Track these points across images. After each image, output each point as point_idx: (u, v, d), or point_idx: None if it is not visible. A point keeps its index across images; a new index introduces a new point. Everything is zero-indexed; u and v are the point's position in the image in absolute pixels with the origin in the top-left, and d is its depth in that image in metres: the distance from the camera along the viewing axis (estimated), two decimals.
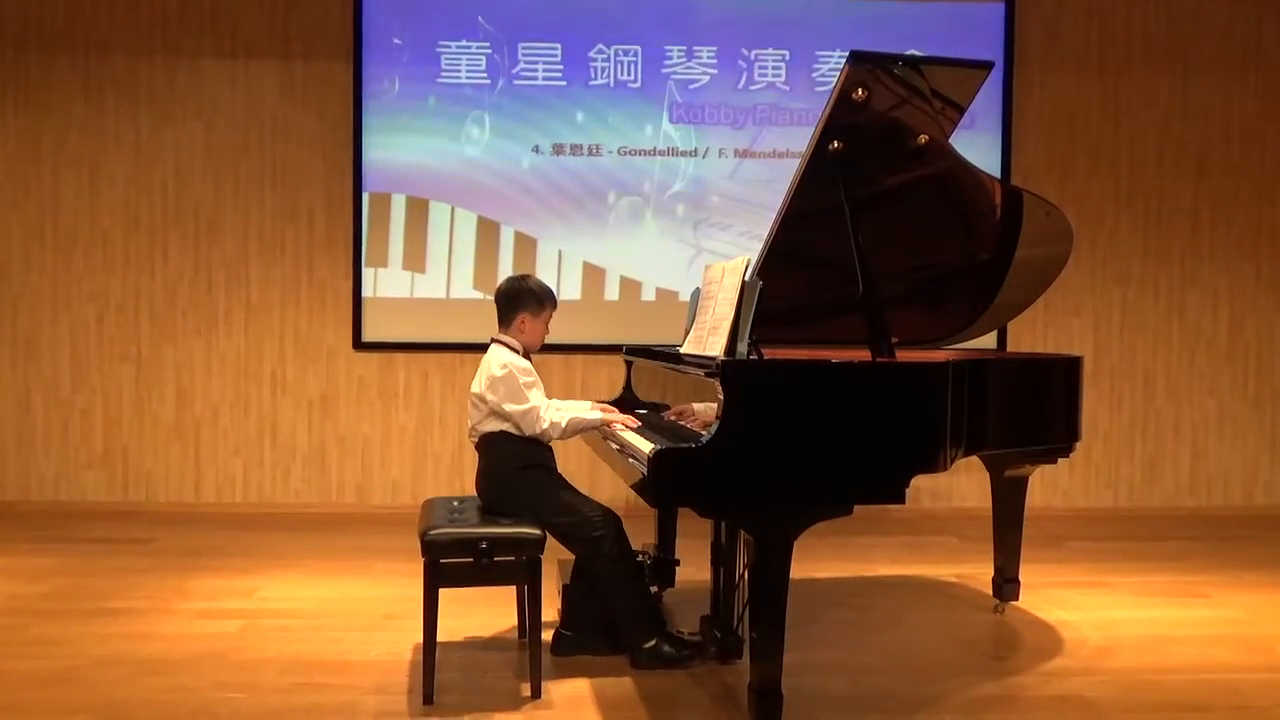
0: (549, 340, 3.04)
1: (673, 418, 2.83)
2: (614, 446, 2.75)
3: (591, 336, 5.16)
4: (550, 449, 2.94)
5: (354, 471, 5.16)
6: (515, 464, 2.84)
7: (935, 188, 3.07)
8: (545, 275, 5.01)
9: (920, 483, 4.67)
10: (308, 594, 3.65)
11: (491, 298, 2.97)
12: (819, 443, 2.31)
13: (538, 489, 2.83)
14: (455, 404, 5.16)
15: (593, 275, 5.21)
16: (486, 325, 3.08)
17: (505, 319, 2.92)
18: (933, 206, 3.10)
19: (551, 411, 2.83)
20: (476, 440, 2.91)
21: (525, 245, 5.17)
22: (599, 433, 2.98)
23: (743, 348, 2.54)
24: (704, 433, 2.37)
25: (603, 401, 3.29)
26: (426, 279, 5.16)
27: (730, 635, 2.93)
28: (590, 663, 2.88)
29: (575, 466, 4.94)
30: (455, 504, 2.99)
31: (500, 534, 2.69)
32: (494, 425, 2.84)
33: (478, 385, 2.86)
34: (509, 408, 2.79)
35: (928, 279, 3.29)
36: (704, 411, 2.53)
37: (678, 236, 5.21)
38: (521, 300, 2.89)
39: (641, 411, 3.09)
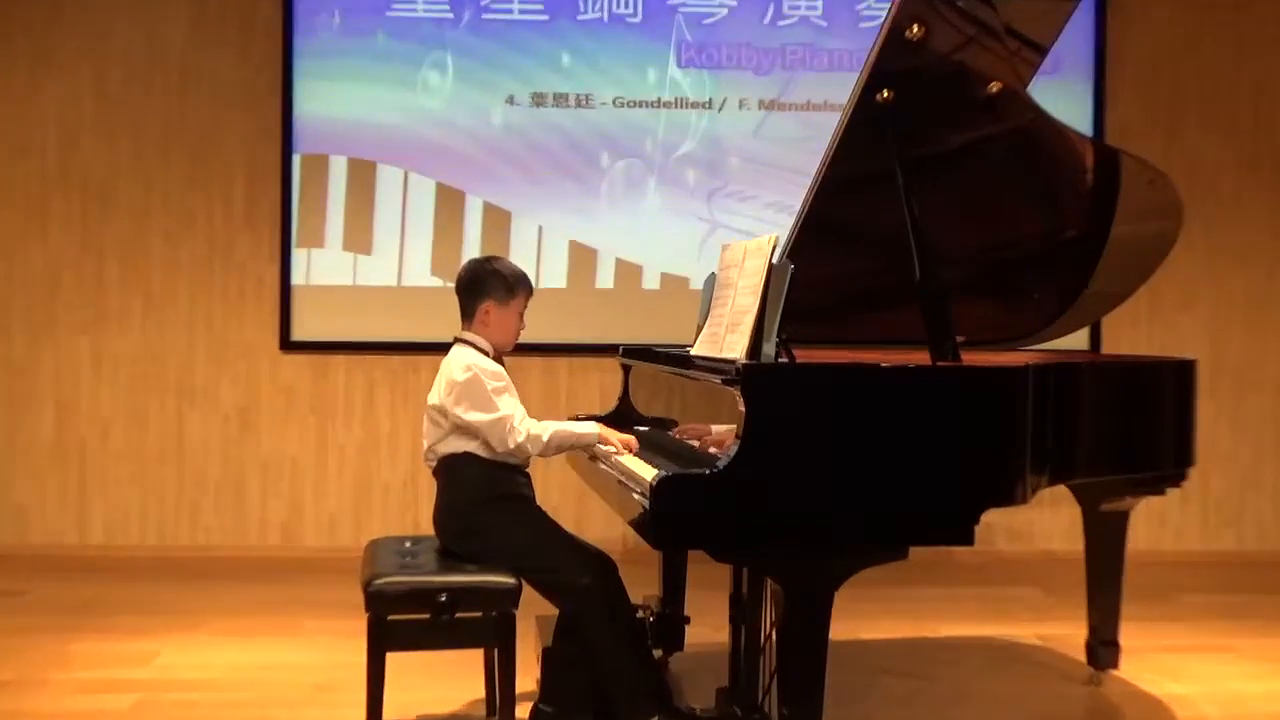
0: (525, 339, 3.04)
1: (684, 438, 2.83)
2: (608, 473, 2.75)
3: (579, 334, 5.16)
4: (527, 475, 2.94)
5: (280, 505, 5.16)
6: (483, 494, 2.84)
7: (1010, 148, 3.07)
8: (522, 258, 5.01)
9: (993, 519, 4.66)
10: (219, 661, 3.64)
11: (454, 286, 2.97)
12: (865, 468, 2.31)
13: (511, 526, 2.84)
14: (409, 419, 5.16)
15: (581, 258, 5.21)
16: (448, 321, 3.07)
17: (467, 311, 2.93)
18: (1007, 171, 3.10)
19: (529, 422, 2.84)
20: (435, 464, 2.91)
21: (497, 220, 5.18)
22: (588, 455, 2.98)
23: (769, 348, 2.54)
24: (720, 455, 2.37)
25: (593, 417, 3.29)
26: (373, 263, 5.16)
27: (754, 712, 2.93)
28: None
29: (559, 498, 4.93)
30: (407, 545, 2.99)
31: (464, 583, 2.68)
32: (457, 445, 2.84)
33: (436, 395, 2.86)
34: (474, 418, 2.80)
35: (1001, 263, 3.29)
36: (722, 432, 2.53)
37: (688, 209, 5.21)
38: (484, 286, 2.90)
39: (642, 429, 3.09)
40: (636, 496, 2.42)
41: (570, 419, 3.28)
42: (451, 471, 2.87)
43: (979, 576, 4.89)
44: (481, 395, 2.80)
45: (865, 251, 3.15)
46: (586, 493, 4.67)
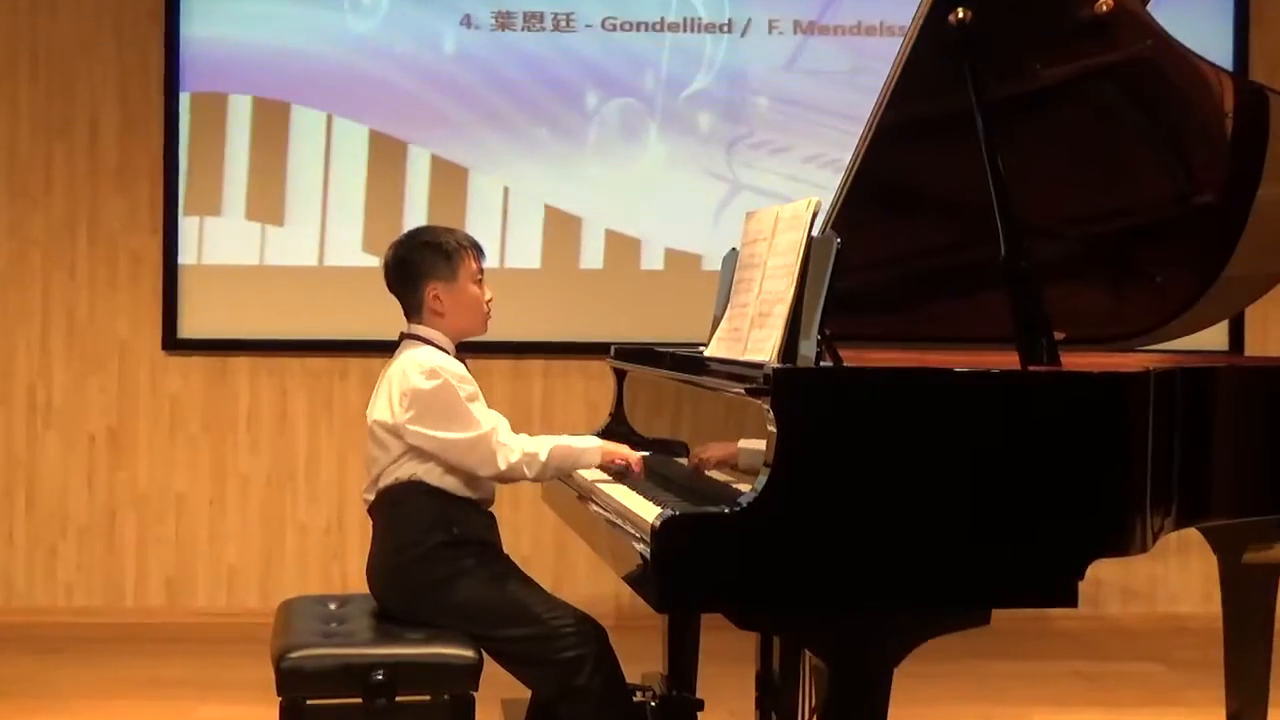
0: (486, 336, 3.05)
1: (704, 469, 2.84)
2: (596, 512, 2.77)
3: (558, 330, 5.16)
4: (491, 516, 2.95)
5: (164, 555, 5.16)
6: (434, 537, 2.85)
7: (1124, 85, 3.07)
8: (482, 228, 5.00)
9: (1103, 573, 4.66)
10: None
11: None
12: (934, 504, 2.32)
13: (470, 580, 2.84)
14: (334, 441, 5.17)
15: (561, 229, 5.21)
16: (384, 311, 3.08)
17: (411, 305, 2.96)
18: (1120, 116, 3.11)
19: (521, 439, 2.86)
20: (374, 498, 2.92)
21: (449, 179, 5.18)
22: (573, 489, 2.99)
23: (808, 348, 2.55)
24: (744, 488, 2.38)
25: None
26: (286, 236, 5.16)
27: None
28: None
29: (531, 545, 4.94)
30: (333, 607, 2.99)
31: (408, 657, 2.69)
32: (406, 470, 2.86)
33: (384, 408, 2.87)
34: (447, 437, 2.81)
35: (1112, 237, 3.29)
36: (745, 455, 2.54)
37: (701, 165, 5.22)
38: (418, 269, 2.92)
39: (642, 454, 3.10)
40: (634, 543, 2.42)
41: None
42: (393, 507, 2.88)
43: (1084, 648, 4.89)
44: (455, 408, 2.82)
45: (934, 221, 3.14)
46: (568, 538, 4.67)
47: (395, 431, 2.85)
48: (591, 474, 2.97)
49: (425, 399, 2.82)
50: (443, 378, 2.82)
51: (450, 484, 2.86)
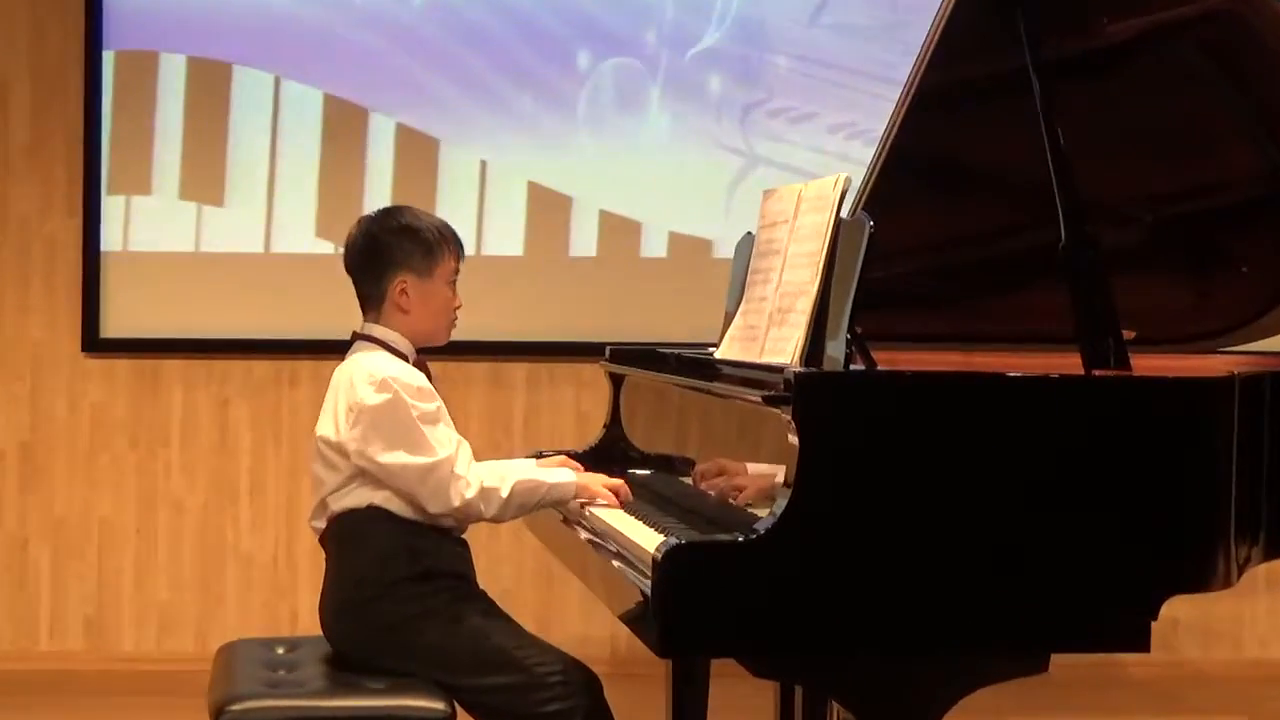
0: (462, 334, 3.05)
1: (709, 487, 2.84)
2: (587, 539, 2.76)
3: (545, 328, 5.16)
4: (464, 544, 2.95)
5: (83, 591, 5.16)
6: (398, 570, 2.85)
7: (1205, 44, 3.08)
8: (455, 210, 5.01)
9: (1180, 612, 4.66)
10: None
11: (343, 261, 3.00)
12: (983, 531, 2.32)
13: (440, 620, 2.85)
14: (281, 458, 5.17)
15: (548, 210, 5.21)
16: (343, 305, 3.08)
17: (370, 296, 2.95)
18: (1199, 79, 3.11)
19: (481, 470, 2.85)
20: (325, 526, 2.92)
21: (417, 152, 5.18)
22: (560, 511, 2.99)
23: (836, 349, 2.55)
24: (760, 512, 2.37)
25: (566, 455, 3.30)
26: (227, 218, 5.16)
27: None
28: None
29: (512, 578, 4.93)
30: (280, 652, 3.00)
31: (369, 710, 2.69)
32: (361, 497, 2.86)
33: (329, 423, 2.88)
34: (394, 461, 2.81)
35: (1191, 219, 3.30)
36: (762, 478, 2.54)
37: (711, 135, 5.22)
38: (390, 253, 2.92)
39: (642, 473, 3.10)
40: (632, 577, 2.43)
41: (533, 457, 3.29)
42: (350, 537, 2.88)
43: (1158, 699, 4.88)
44: (406, 428, 2.81)
45: (982, 202, 3.15)
46: (555, 570, 4.67)
47: (342, 450, 2.85)
48: None
49: (370, 416, 2.81)
50: (393, 391, 2.81)
51: (413, 510, 2.85)
